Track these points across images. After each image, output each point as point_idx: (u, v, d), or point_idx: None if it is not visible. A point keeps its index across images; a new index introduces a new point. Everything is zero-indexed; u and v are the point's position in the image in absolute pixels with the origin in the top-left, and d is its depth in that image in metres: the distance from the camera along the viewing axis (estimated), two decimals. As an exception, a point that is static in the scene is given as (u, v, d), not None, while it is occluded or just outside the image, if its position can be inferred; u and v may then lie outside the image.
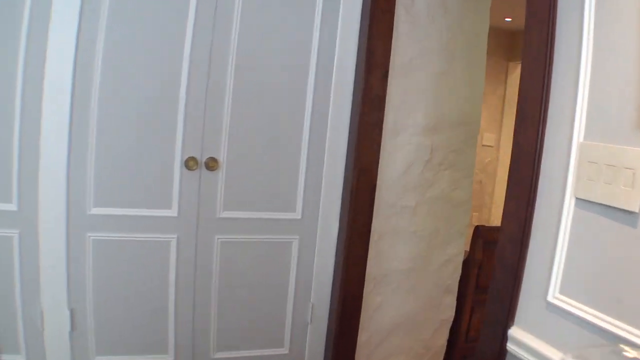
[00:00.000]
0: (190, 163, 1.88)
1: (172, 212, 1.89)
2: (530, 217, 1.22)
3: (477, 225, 2.41)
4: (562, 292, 1.13)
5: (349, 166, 2.09)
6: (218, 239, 1.99)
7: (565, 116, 1.13)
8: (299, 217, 2.07)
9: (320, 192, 2.09)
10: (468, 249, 2.40)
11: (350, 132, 2.08)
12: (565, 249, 1.13)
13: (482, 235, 2.37)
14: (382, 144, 2.08)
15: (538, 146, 1.20)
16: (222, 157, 1.93)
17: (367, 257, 2.10)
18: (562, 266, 1.14)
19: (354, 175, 2.06)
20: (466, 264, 2.33)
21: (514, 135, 1.28)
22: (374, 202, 2.08)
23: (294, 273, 2.10)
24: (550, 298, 1.14)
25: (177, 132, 1.85)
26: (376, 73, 2.02)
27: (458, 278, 2.27)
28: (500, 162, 4.95)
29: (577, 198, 1.10)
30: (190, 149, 1.87)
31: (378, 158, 2.07)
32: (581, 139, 1.10)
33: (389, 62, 2.03)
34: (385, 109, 2.06)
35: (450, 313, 2.32)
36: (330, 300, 2.16)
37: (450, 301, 2.30)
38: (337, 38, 2.03)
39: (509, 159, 1.29)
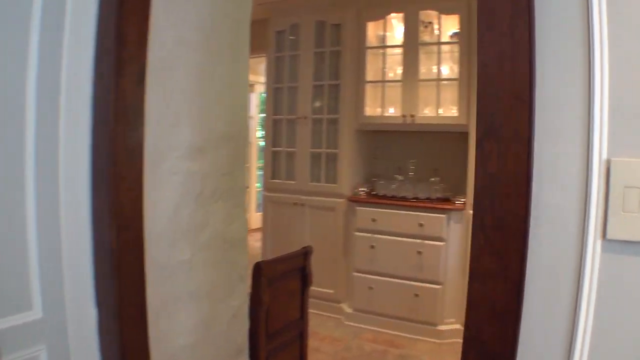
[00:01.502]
0: None
1: None
2: (519, 296, 0.92)
3: (257, 263, 1.96)
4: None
5: (100, 222, 1.30)
6: None
7: (572, 121, 0.87)
8: (39, 315, 1.17)
9: (61, 272, 1.23)
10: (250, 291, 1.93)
11: (95, 168, 1.29)
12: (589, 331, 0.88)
13: (264, 273, 1.94)
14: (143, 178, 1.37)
15: (526, 171, 0.91)
16: None
17: (147, 348, 1.38)
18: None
19: (111, 235, 1.29)
20: (253, 310, 1.86)
21: (476, 155, 0.94)
22: (144, 267, 1.37)
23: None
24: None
25: None
26: (130, 73, 1.29)
27: (247, 332, 1.79)
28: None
29: (608, 240, 0.84)
30: None
31: (142, 202, 1.36)
32: (605, 155, 0.85)
33: (146, 55, 1.33)
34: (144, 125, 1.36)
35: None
36: None
37: (239, 363, 1.81)
38: (66, 21, 1.19)
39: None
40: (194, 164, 1.56)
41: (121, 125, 1.29)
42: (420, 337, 3.74)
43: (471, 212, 3.97)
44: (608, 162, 0.85)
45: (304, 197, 4.25)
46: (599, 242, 0.85)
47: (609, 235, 0.85)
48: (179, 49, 1.47)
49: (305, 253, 2.39)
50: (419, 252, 3.72)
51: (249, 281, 1.89)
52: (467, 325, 0.99)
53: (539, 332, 0.94)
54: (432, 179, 3.96)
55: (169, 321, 1.48)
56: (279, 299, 2.11)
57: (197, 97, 1.55)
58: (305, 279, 2.40)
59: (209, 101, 1.59)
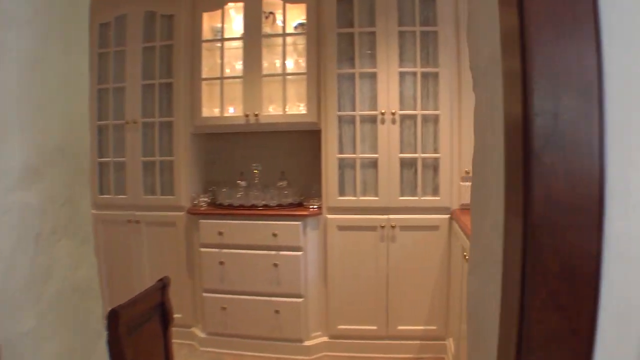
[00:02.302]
0: None
1: None
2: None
3: (112, 310, 1.44)
4: None
5: None
6: None
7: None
8: None
9: None
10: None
11: None
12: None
13: (124, 322, 1.43)
14: None
15: (599, 192, 0.64)
16: None
17: None
18: None
19: None
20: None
21: (529, 174, 0.64)
22: None
23: None
24: None
25: None
26: None
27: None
28: None
29: None
30: None
31: None
32: None
33: None
34: None
35: None
36: None
37: None
38: None
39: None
40: (29, 193, 1.11)
41: None
42: (287, 356, 3.45)
43: (329, 216, 3.58)
44: None
45: (138, 213, 3.66)
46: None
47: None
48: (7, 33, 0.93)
49: (163, 287, 1.99)
50: (275, 265, 3.35)
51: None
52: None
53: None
54: (280, 184, 3.62)
55: None
56: (140, 348, 1.62)
57: (27, 98, 1.03)
58: (165, 316, 1.95)
59: (41, 103, 1.06)
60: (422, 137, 3.38)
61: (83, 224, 1.33)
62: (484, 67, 0.98)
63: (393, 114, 3.35)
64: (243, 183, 3.66)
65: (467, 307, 1.19)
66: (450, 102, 3.36)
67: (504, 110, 0.80)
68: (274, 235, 3.36)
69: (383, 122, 3.37)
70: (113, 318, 1.51)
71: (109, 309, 1.58)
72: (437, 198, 3.38)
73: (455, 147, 3.38)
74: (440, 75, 3.35)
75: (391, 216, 3.38)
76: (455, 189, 3.40)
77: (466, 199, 3.38)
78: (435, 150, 3.39)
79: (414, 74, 3.37)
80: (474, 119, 1.10)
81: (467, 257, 2.46)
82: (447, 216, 3.38)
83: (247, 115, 3.52)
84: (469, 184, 3.61)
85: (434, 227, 3.39)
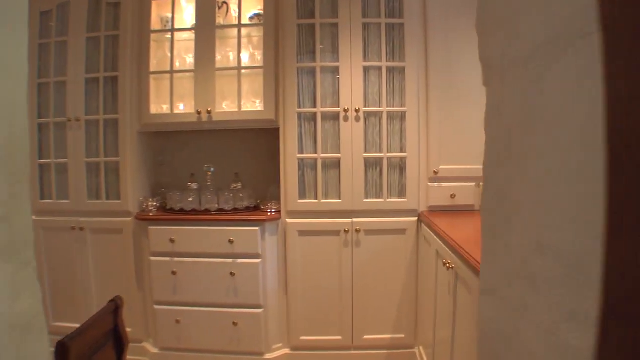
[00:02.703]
0: None
1: None
2: None
3: (60, 342, 1.25)
4: None
5: None
6: None
7: None
8: None
9: None
10: None
11: None
12: None
13: (75, 355, 1.23)
14: None
15: None
16: None
17: None
18: None
19: None
20: None
21: None
22: None
23: None
24: None
25: None
26: None
27: None
28: None
29: None
30: None
31: None
32: None
33: None
34: None
35: None
36: None
37: None
38: None
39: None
40: None
41: None
42: (245, 372, 3.15)
43: (288, 220, 3.30)
44: None
45: (82, 219, 3.35)
46: None
47: None
48: None
49: (116, 309, 1.78)
50: (232, 274, 3.10)
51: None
52: None
53: None
54: (235, 186, 3.36)
55: None
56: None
57: None
58: (120, 341, 1.79)
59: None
60: (387, 135, 3.18)
61: (23, 244, 1.08)
62: (525, 57, 0.76)
63: (357, 110, 3.13)
64: (194, 186, 3.39)
65: (480, 334, 1.08)
66: (418, 98, 3.16)
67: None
68: (230, 242, 3.10)
69: (346, 119, 3.14)
70: (62, 352, 1.29)
71: (57, 340, 1.35)
72: (403, 200, 3.18)
73: (422, 146, 3.19)
74: (407, 70, 3.14)
75: (355, 220, 3.17)
76: (423, 190, 3.20)
77: (435, 200, 3.20)
78: (402, 150, 3.18)
79: (379, 68, 3.15)
80: (490, 117, 0.88)
81: (449, 264, 2.30)
82: (414, 219, 3.18)
83: (199, 112, 3.24)
84: (437, 184, 3.45)
85: (400, 231, 3.19)
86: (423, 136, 3.19)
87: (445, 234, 2.47)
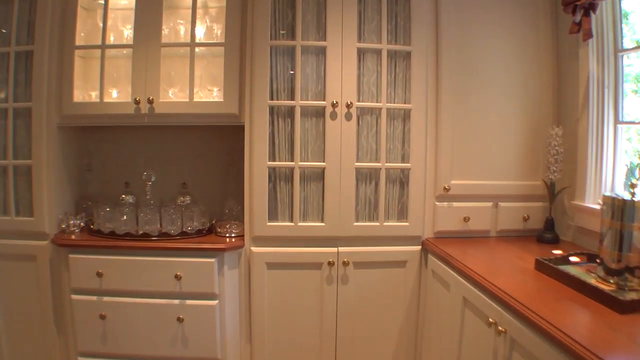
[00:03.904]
0: None
1: None
2: None
3: None
4: None
5: None
6: None
7: None
8: None
9: None
10: None
11: None
12: None
13: None
14: None
15: None
16: None
17: None
18: None
19: None
20: None
21: None
22: None
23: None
24: None
25: None
26: None
27: None
28: None
29: None
30: None
31: None
32: None
33: None
34: None
35: None
36: None
37: None
38: None
39: None
40: None
41: None
42: None
43: (254, 249, 2.26)
44: None
45: None
46: None
47: None
48: None
49: None
50: (180, 319, 2.32)
51: None
52: None
53: None
54: (182, 200, 2.56)
55: None
56: None
57: None
58: None
59: None
60: (387, 139, 2.41)
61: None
62: None
63: (348, 106, 2.35)
64: (130, 199, 2.57)
65: None
66: (426, 93, 2.40)
67: None
68: (177, 277, 2.30)
69: (334, 117, 2.36)
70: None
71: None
72: (404, 224, 2.43)
73: (430, 155, 2.43)
74: (413, 55, 2.38)
75: (342, 249, 2.40)
76: (429, 212, 2.46)
77: (444, 224, 2.45)
78: (404, 159, 2.43)
79: (378, 52, 2.38)
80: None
81: (497, 325, 1.57)
82: (417, 248, 2.44)
83: (137, 102, 2.39)
84: (447, 204, 2.67)
85: (399, 263, 2.44)
86: (431, 142, 2.43)
87: (485, 280, 1.75)
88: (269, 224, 2.39)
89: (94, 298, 2.38)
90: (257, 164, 2.38)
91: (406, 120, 2.42)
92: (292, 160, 2.39)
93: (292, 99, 2.38)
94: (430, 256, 2.38)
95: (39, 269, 2.48)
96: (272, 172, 2.41)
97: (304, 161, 2.40)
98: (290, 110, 2.39)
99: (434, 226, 2.47)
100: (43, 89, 2.44)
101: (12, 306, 2.52)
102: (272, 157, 2.39)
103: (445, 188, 2.43)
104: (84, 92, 2.55)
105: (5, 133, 2.50)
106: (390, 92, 2.42)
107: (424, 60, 2.41)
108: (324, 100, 2.36)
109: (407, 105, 2.41)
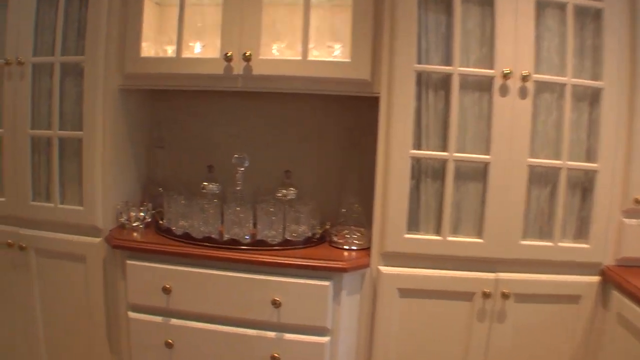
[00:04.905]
0: None
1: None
2: None
3: None
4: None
5: None
6: None
7: None
8: None
9: None
10: None
11: None
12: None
13: None
14: None
15: None
16: None
17: None
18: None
19: None
20: None
21: None
22: None
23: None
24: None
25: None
26: None
27: None
28: None
29: None
30: None
31: None
32: None
33: None
34: None
35: None
36: None
37: None
38: None
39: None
40: None
41: None
42: None
43: (383, 269, 1.62)
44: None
45: (24, 231, 1.97)
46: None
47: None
48: None
49: None
50: (275, 358, 1.65)
51: None
52: None
53: None
54: (284, 192, 1.88)
55: None
56: None
57: None
58: None
59: None
60: (570, 128, 1.73)
61: None
62: None
63: (524, 78, 1.66)
64: (214, 188, 1.92)
65: None
66: (623, 64, 1.71)
67: None
68: (275, 303, 1.67)
69: (505, 92, 1.68)
70: None
71: None
72: (584, 246, 1.74)
73: (620, 153, 1.75)
74: (605, 13, 1.69)
75: (502, 275, 1.73)
76: (613, 230, 1.77)
77: (634, 249, 1.76)
78: (589, 156, 1.74)
79: (562, 7, 1.68)
80: None
81: None
82: (595, 278, 1.76)
83: (228, 58, 1.73)
84: (637, 222, 1.84)
85: (572, 298, 1.76)
86: (622, 136, 1.75)
87: None
88: (406, 235, 1.71)
89: (159, 319, 1.77)
90: (397, 152, 1.70)
91: (594, 103, 1.74)
92: (444, 150, 1.71)
93: (449, 63, 1.68)
94: (615, 292, 1.70)
95: (89, 274, 1.89)
96: (416, 163, 1.73)
97: (461, 152, 1.71)
98: (445, 80, 1.70)
99: (617, 250, 1.79)
100: (101, 39, 1.82)
101: (55, 313, 1.96)
102: (417, 144, 1.71)
103: (637, 200, 1.75)
104: (157, 46, 1.92)
105: (50, 95, 1.90)
106: (577, 63, 1.74)
107: (618, 20, 1.72)
108: (492, 68, 1.68)
109: (597, 83, 1.71)
